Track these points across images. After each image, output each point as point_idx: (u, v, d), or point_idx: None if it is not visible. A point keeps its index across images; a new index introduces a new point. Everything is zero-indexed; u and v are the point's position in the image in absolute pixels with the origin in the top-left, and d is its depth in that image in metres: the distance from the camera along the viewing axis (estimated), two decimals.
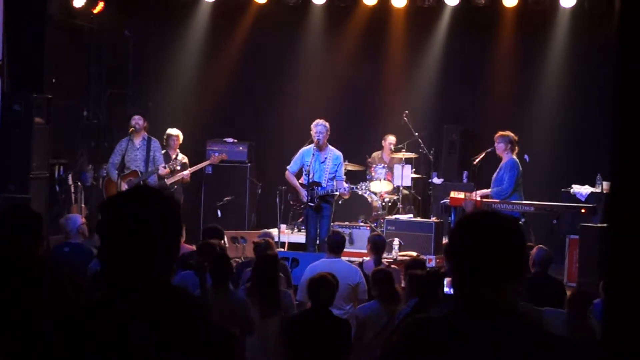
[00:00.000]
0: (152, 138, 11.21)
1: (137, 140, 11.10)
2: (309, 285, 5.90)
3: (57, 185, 11.88)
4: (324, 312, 5.82)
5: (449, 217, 11.14)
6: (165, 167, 11.17)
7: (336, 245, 8.14)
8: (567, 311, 6.25)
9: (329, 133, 10.92)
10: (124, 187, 10.87)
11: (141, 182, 10.91)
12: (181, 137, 11.83)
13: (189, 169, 11.57)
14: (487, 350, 2.39)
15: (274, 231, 11.59)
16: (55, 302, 2.53)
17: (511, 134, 10.63)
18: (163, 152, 11.45)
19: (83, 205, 11.16)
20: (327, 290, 5.86)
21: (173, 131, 11.86)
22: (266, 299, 6.37)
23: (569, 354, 2.39)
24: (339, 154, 11.06)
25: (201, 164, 11.90)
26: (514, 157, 10.58)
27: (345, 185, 11.09)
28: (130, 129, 11.05)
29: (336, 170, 10.96)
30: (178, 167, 11.36)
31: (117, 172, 10.94)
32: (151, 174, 11.07)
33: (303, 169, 10.95)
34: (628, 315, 1.76)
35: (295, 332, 5.73)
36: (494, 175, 10.67)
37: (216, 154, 12.07)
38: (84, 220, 8.55)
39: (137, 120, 11.08)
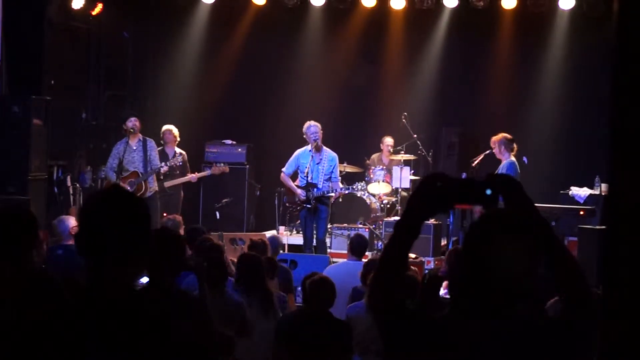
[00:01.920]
0: (148, 138, 11.27)
1: (134, 142, 11.14)
2: (309, 287, 5.88)
3: (56, 186, 11.87)
4: (324, 313, 5.80)
5: (448, 219, 11.14)
6: (165, 165, 11.23)
7: (358, 248, 8.07)
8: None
9: (321, 132, 10.95)
10: (127, 189, 10.89)
11: (142, 182, 10.96)
12: (175, 131, 11.85)
13: (189, 175, 11.63)
14: (486, 350, 2.39)
15: (272, 233, 11.59)
16: (44, 306, 2.55)
17: (504, 135, 10.68)
18: (160, 148, 11.56)
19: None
20: (328, 291, 5.85)
21: (168, 126, 11.91)
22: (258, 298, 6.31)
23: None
24: (334, 155, 11.07)
25: (202, 173, 11.97)
26: (512, 158, 10.62)
27: (341, 185, 11.12)
28: (129, 131, 11.09)
29: (332, 171, 10.98)
30: (179, 164, 11.44)
31: (115, 174, 10.99)
32: (151, 174, 11.11)
33: (299, 171, 10.96)
34: (627, 317, 1.76)
35: (295, 333, 5.71)
36: None
37: (219, 165, 12.06)
38: (76, 222, 8.52)
39: (135, 122, 11.12)
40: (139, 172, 11.07)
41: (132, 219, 2.45)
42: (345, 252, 10.61)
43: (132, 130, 11.06)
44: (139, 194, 10.60)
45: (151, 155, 11.16)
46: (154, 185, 11.15)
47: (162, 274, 4.19)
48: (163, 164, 11.24)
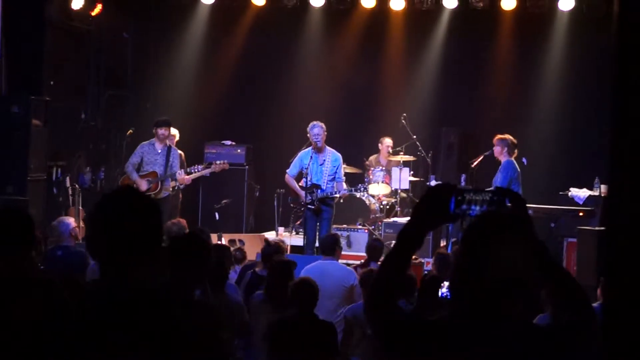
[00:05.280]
0: (173, 147, 11.34)
1: (160, 146, 11.22)
2: (291, 289, 5.86)
3: (55, 187, 11.87)
4: (308, 315, 5.78)
5: None
6: (181, 173, 11.24)
7: (329, 247, 8.08)
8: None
9: (325, 133, 10.93)
10: (143, 186, 10.96)
11: (158, 182, 11.09)
12: (177, 135, 11.86)
13: (190, 176, 11.56)
14: (486, 351, 2.39)
15: (271, 234, 11.59)
16: (43, 306, 2.54)
17: (510, 137, 10.66)
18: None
19: (80, 207, 11.14)
20: (310, 293, 5.82)
21: (172, 130, 11.92)
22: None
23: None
24: (338, 155, 11.06)
25: (203, 172, 11.84)
26: (512, 159, 10.61)
27: (345, 186, 11.11)
28: (159, 136, 11.13)
29: (335, 172, 10.96)
30: (198, 171, 11.46)
31: (136, 172, 11.08)
32: (168, 177, 11.16)
33: (303, 172, 10.95)
34: (627, 318, 1.76)
35: (280, 335, 5.69)
36: (494, 179, 10.68)
37: (219, 162, 12.01)
38: (75, 223, 8.52)
39: (164, 132, 11.25)
40: (157, 172, 11.15)
41: (145, 219, 2.43)
42: (345, 252, 10.63)
43: (160, 137, 11.17)
44: (152, 193, 10.83)
45: (173, 162, 11.27)
46: (169, 187, 11.23)
47: (183, 282, 4.08)
48: (180, 170, 11.27)
